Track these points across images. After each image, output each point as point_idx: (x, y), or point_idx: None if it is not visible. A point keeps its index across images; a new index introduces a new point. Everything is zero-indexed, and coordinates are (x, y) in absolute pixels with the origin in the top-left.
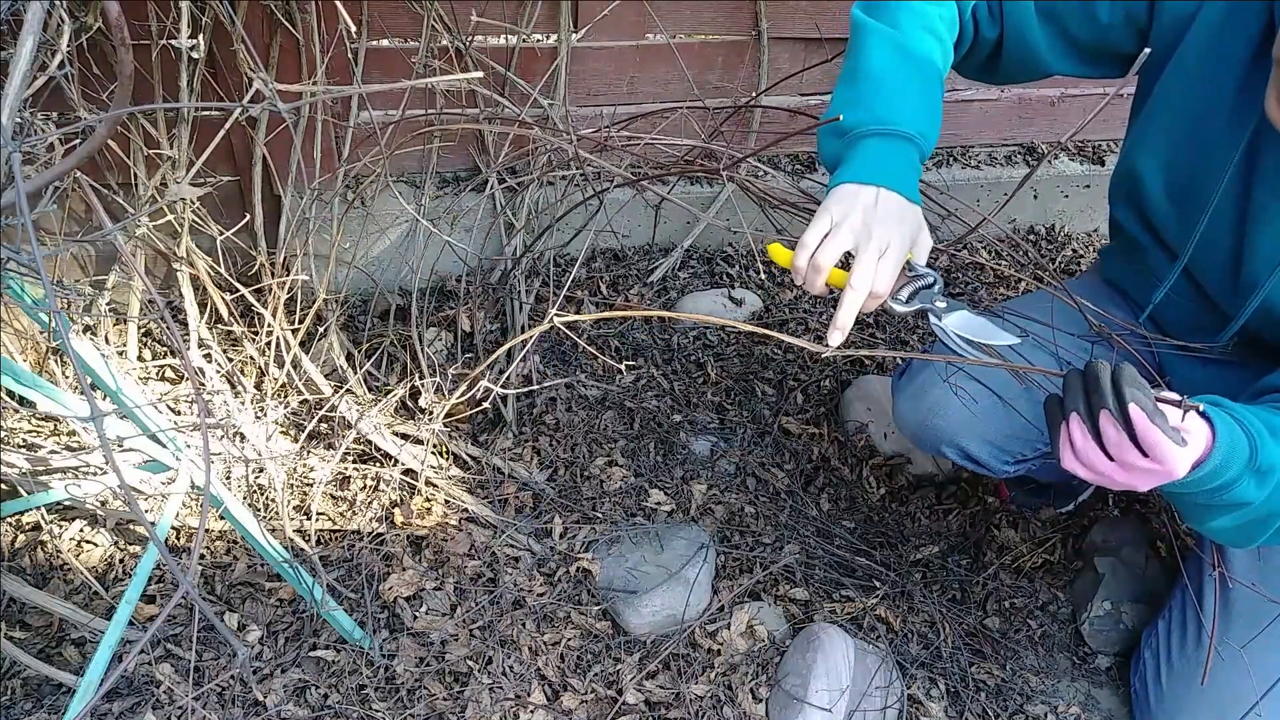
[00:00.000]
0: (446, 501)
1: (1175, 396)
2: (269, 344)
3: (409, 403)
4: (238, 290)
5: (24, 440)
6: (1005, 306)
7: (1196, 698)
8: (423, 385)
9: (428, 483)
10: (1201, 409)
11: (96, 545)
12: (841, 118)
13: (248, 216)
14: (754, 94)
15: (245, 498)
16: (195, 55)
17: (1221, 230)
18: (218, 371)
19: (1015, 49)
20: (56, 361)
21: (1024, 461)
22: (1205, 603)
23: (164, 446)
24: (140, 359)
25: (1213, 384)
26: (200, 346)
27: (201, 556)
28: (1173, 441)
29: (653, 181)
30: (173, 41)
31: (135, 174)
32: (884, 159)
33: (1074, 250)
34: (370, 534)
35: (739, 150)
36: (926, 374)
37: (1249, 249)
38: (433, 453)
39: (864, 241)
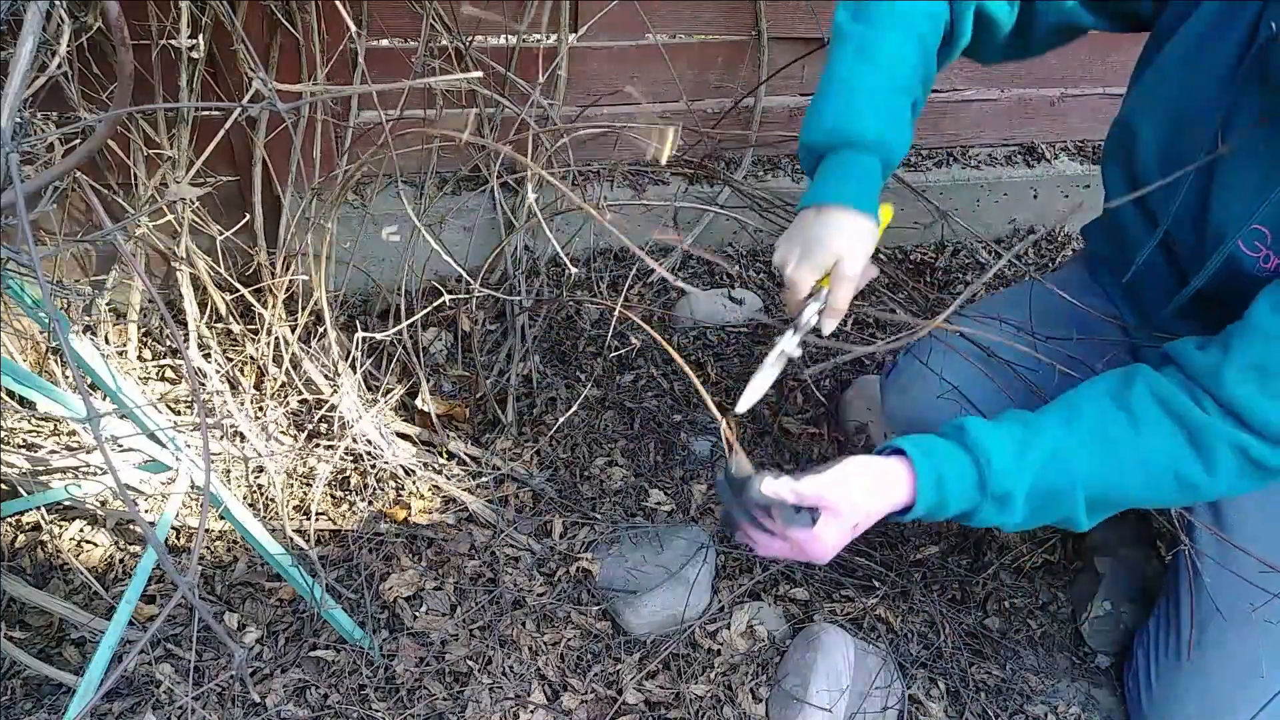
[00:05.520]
0: (447, 502)
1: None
2: (269, 344)
3: (409, 403)
4: (237, 290)
5: (24, 440)
6: (982, 302)
7: (1185, 694)
8: (420, 387)
9: (427, 483)
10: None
11: (96, 545)
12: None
13: (248, 216)
14: (755, 94)
15: (245, 498)
16: (195, 55)
17: (1193, 195)
18: (217, 371)
19: (1048, 12)
20: (56, 361)
21: None
22: (1183, 604)
23: (164, 446)
24: (140, 359)
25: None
26: (200, 346)
27: (201, 556)
28: (793, 526)
29: (651, 181)
30: (173, 41)
31: (135, 174)
32: (834, 175)
33: (1074, 250)
34: (370, 534)
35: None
36: (913, 370)
37: (1214, 211)
38: (432, 452)
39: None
